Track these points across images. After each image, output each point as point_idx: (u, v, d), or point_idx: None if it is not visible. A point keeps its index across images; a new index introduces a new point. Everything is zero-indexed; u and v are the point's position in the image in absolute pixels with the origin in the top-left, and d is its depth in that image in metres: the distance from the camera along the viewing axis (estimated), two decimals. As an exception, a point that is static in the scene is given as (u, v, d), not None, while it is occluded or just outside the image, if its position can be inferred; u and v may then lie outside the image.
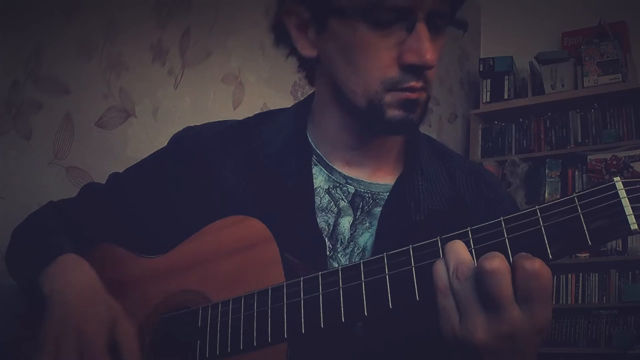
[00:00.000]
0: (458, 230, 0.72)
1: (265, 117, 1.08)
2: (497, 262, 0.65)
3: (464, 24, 0.94)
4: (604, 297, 3.16)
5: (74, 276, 0.93)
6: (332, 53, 0.91)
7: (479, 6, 3.97)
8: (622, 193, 0.63)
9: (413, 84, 0.87)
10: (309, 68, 1.00)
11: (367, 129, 0.95)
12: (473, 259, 0.69)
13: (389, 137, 0.98)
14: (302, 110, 1.04)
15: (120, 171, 1.15)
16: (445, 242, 0.71)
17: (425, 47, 0.84)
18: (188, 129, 1.09)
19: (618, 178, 0.64)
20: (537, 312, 0.65)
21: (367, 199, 0.97)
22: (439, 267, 0.69)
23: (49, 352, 0.85)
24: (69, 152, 1.62)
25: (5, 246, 1.14)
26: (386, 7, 0.84)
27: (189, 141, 1.05)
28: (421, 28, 0.84)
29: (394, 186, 0.97)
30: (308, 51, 0.94)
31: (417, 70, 0.86)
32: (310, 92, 1.06)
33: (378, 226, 0.94)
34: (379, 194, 0.98)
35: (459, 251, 0.69)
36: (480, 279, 0.66)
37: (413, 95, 0.87)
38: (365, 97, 0.89)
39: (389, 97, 0.87)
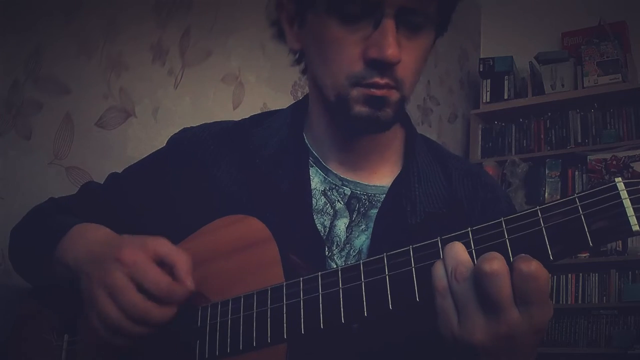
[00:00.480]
0: (457, 231, 0.72)
1: (261, 118, 1.07)
2: (496, 264, 0.65)
3: (443, 25, 0.93)
4: (604, 297, 3.16)
5: (93, 235, 0.92)
6: (309, 47, 0.93)
7: (479, 6, 3.97)
8: (624, 194, 0.62)
9: (377, 79, 0.85)
10: (302, 61, 1.00)
11: (339, 125, 0.95)
12: (473, 259, 0.68)
13: (375, 137, 0.97)
14: (298, 111, 1.04)
15: (120, 171, 1.15)
16: (445, 242, 0.71)
17: (388, 42, 0.83)
18: (185, 130, 1.09)
19: (619, 179, 0.63)
20: (535, 313, 0.65)
21: (364, 200, 0.97)
22: (438, 268, 0.69)
23: (101, 297, 0.81)
24: (69, 152, 1.62)
25: (5, 246, 1.14)
26: (353, 0, 0.84)
27: (187, 142, 1.05)
28: (387, 23, 0.83)
29: (390, 188, 0.97)
30: (294, 44, 0.96)
31: (380, 66, 0.85)
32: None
33: (374, 228, 0.94)
34: (375, 196, 0.97)
35: (458, 252, 0.69)
36: (479, 281, 0.66)
37: (378, 92, 0.86)
38: (334, 91, 0.89)
39: (354, 92, 0.87)
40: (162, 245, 0.84)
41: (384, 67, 0.85)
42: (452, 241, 0.70)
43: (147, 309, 0.80)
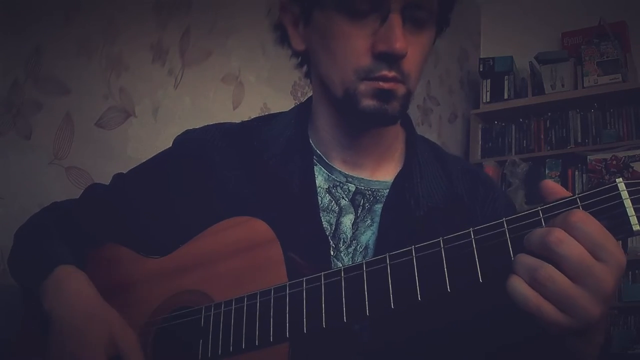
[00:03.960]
0: (458, 227, 0.72)
1: (267, 119, 1.09)
2: (560, 233, 0.63)
3: (445, 22, 0.95)
4: (604, 297, 3.16)
5: (66, 292, 0.93)
6: (315, 45, 0.94)
7: (479, 6, 3.97)
8: (625, 194, 0.63)
9: (385, 72, 0.87)
10: (305, 64, 1.02)
11: (348, 120, 0.96)
12: (475, 260, 0.68)
13: (379, 135, 0.98)
14: (303, 111, 1.05)
15: (121, 171, 1.15)
16: (447, 242, 0.71)
17: (396, 36, 0.85)
18: (190, 131, 1.10)
19: (620, 179, 0.64)
20: (613, 252, 0.63)
21: (368, 196, 0.98)
22: (519, 287, 0.65)
23: None
24: (69, 152, 1.62)
25: (5, 246, 1.14)
26: None
27: (192, 143, 1.06)
28: (394, 18, 0.86)
29: (393, 182, 0.98)
30: (298, 45, 0.97)
31: (388, 59, 0.87)
32: (311, 92, 1.07)
33: (380, 222, 0.95)
34: (379, 191, 0.98)
35: (526, 260, 0.66)
36: (560, 262, 0.63)
37: (386, 85, 0.88)
38: (341, 86, 0.90)
39: (362, 87, 0.88)
40: (126, 349, 0.87)
41: (392, 60, 0.87)
42: (454, 241, 0.70)
43: None
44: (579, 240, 0.63)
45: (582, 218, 0.63)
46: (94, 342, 0.86)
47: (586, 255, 0.63)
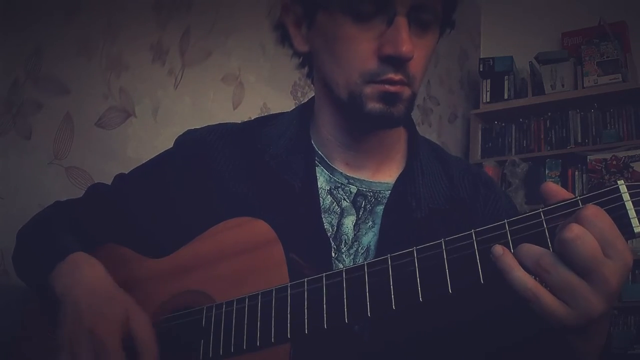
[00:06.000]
0: (459, 228, 0.72)
1: (268, 120, 1.08)
2: (575, 228, 0.62)
3: (451, 23, 0.95)
4: (604, 297, 3.16)
5: (83, 275, 0.93)
6: (319, 47, 0.94)
7: (479, 6, 3.97)
8: (626, 196, 0.63)
9: (391, 76, 0.87)
10: (307, 65, 1.02)
11: (351, 122, 0.96)
12: (477, 260, 0.68)
13: (382, 137, 0.98)
14: (305, 112, 1.05)
15: (121, 171, 1.15)
16: (449, 244, 0.71)
17: (402, 39, 0.85)
18: (191, 132, 1.10)
19: (622, 181, 0.64)
20: (621, 249, 0.63)
21: (370, 197, 0.98)
22: (518, 276, 0.66)
23: (66, 353, 0.86)
24: (69, 152, 1.62)
25: (5, 246, 1.14)
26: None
27: (194, 143, 1.06)
28: (400, 21, 0.86)
29: (395, 184, 0.98)
30: (301, 47, 0.97)
31: (394, 62, 0.87)
32: (311, 92, 1.07)
33: (381, 224, 0.95)
34: (380, 192, 0.98)
35: (530, 249, 0.66)
36: (568, 254, 0.63)
37: (392, 88, 0.88)
38: (346, 89, 0.90)
39: (368, 89, 0.88)
40: (140, 330, 0.86)
41: (398, 63, 0.87)
42: (455, 243, 0.70)
43: None
44: (594, 234, 0.63)
45: (595, 212, 0.63)
46: (112, 318, 0.86)
47: (598, 252, 0.63)
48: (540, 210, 0.67)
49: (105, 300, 0.89)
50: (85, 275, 0.93)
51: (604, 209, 0.64)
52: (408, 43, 0.85)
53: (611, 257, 0.63)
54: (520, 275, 0.65)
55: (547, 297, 0.64)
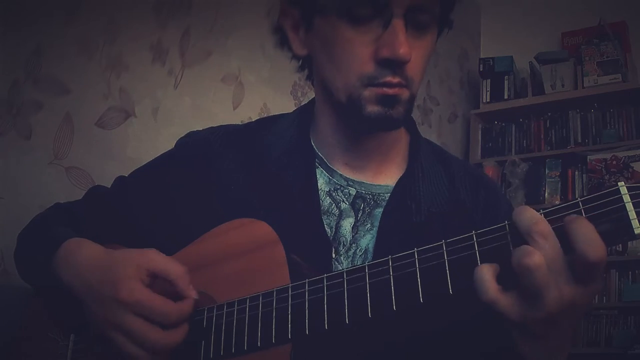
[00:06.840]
0: (459, 231, 0.72)
1: (268, 122, 1.08)
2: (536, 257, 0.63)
3: (449, 23, 0.95)
4: (604, 297, 3.16)
5: (81, 256, 0.92)
6: (317, 51, 0.94)
7: (479, 6, 3.97)
8: (626, 197, 0.63)
9: (389, 79, 0.87)
10: (306, 68, 1.02)
11: (351, 125, 0.96)
12: (477, 261, 0.68)
13: (382, 139, 0.98)
14: (305, 114, 1.05)
15: (121, 172, 1.15)
16: (449, 246, 0.71)
17: (399, 41, 0.85)
18: (192, 133, 1.10)
19: (622, 182, 0.64)
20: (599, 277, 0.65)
21: (369, 200, 0.98)
22: (482, 273, 0.66)
23: (116, 333, 0.84)
24: (69, 152, 1.62)
25: (5, 246, 1.14)
26: (362, 2, 0.85)
27: (195, 145, 1.06)
28: (396, 23, 0.85)
29: (395, 187, 0.98)
30: (300, 50, 0.97)
31: (392, 65, 0.86)
32: (311, 92, 1.07)
33: (380, 227, 0.94)
34: (380, 195, 0.98)
35: (532, 213, 0.66)
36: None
37: (390, 91, 0.88)
38: (345, 92, 0.90)
39: (367, 93, 0.88)
40: (155, 263, 0.85)
41: (396, 66, 0.86)
42: (456, 245, 0.70)
43: (167, 340, 0.82)
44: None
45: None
46: (126, 276, 0.84)
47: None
48: (542, 212, 0.67)
49: (111, 266, 0.87)
50: (83, 255, 0.92)
51: (604, 210, 0.64)
52: (405, 45, 0.85)
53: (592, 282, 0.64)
54: (483, 277, 0.66)
55: (505, 300, 0.66)
